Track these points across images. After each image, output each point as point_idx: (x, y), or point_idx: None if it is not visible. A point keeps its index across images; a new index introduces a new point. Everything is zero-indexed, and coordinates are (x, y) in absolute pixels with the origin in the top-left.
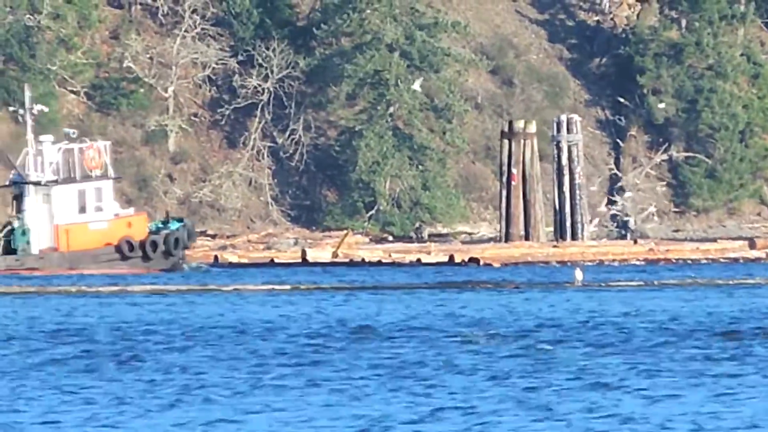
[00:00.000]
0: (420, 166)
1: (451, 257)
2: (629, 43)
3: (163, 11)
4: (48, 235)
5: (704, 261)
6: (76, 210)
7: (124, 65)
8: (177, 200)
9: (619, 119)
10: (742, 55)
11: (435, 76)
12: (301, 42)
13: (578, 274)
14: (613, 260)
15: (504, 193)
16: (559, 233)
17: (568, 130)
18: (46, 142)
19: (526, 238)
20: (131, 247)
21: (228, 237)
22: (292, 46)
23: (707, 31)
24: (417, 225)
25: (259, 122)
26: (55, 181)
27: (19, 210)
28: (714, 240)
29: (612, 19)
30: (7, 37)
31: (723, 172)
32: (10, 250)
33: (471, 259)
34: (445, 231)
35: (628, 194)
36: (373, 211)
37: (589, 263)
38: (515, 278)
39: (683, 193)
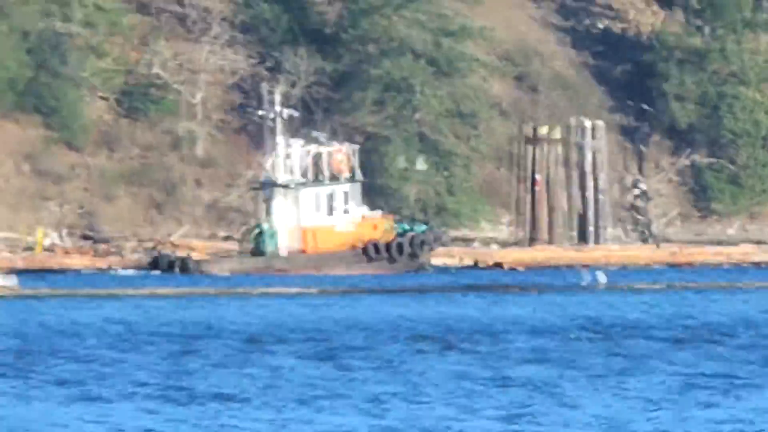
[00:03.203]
0: (446, 172)
1: (476, 261)
2: (653, 50)
3: (191, 18)
4: (295, 237)
5: (726, 265)
6: (324, 212)
7: (153, 71)
8: (204, 205)
9: (642, 125)
10: (765, 61)
11: (461, 82)
12: (329, 49)
13: (601, 277)
14: (636, 264)
15: (528, 198)
16: (582, 237)
17: (592, 136)
18: (295, 144)
19: (550, 242)
20: (377, 250)
21: None
22: (320, 52)
23: (731, 38)
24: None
25: (287, 128)
26: (304, 184)
27: (269, 212)
28: (736, 244)
29: (636, 26)
30: (39, 44)
31: (746, 178)
32: (258, 252)
33: (495, 263)
34: (468, 235)
35: (650, 199)
36: (398, 216)
37: (612, 267)
38: (540, 281)
39: (705, 198)
